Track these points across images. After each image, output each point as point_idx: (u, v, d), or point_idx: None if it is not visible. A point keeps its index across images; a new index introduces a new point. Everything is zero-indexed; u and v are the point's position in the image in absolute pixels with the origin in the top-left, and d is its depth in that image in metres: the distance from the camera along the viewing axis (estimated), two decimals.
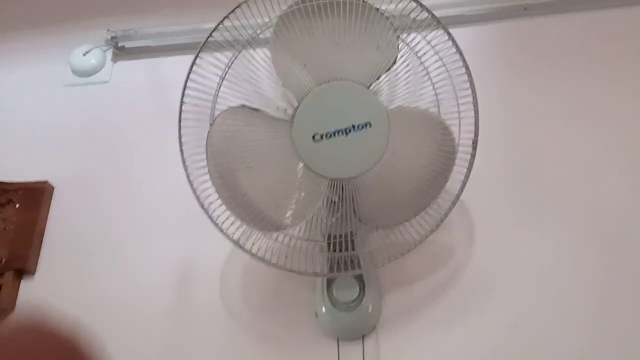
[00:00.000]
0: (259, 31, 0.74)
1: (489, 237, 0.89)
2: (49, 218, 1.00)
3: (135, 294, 0.92)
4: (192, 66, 0.75)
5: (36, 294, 0.94)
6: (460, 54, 0.75)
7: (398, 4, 0.73)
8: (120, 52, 1.13)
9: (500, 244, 0.88)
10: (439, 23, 0.75)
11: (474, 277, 0.86)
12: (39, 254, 0.97)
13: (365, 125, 0.71)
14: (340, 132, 0.71)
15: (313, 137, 0.71)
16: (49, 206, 1.01)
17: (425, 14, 0.74)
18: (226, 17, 0.74)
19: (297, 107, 0.71)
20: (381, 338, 0.84)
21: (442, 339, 0.83)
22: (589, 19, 1.04)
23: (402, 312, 0.85)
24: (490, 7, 1.07)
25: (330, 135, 0.71)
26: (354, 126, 0.71)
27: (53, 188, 1.02)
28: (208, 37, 0.74)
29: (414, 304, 0.86)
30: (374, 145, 0.72)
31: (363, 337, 0.84)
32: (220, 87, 0.76)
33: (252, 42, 0.74)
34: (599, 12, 1.04)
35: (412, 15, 0.75)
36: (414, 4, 0.74)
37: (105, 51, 1.13)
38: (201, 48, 0.74)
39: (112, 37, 1.11)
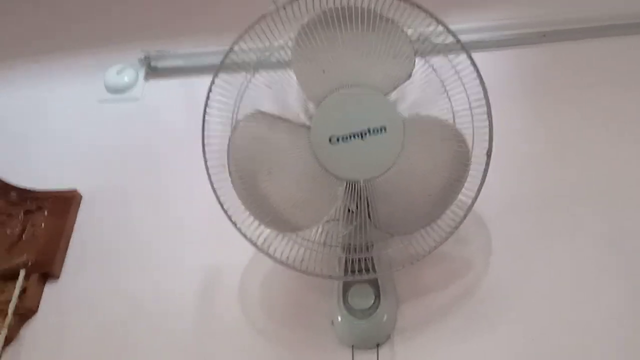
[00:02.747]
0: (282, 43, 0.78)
1: (507, 253, 0.89)
2: (76, 225, 1.03)
3: (157, 301, 0.94)
4: (215, 75, 0.79)
5: (59, 297, 0.97)
6: (475, 65, 0.77)
7: (427, 28, 0.76)
8: (153, 72, 1.19)
9: (518, 260, 0.88)
10: (456, 40, 0.77)
11: (491, 291, 0.86)
12: (64, 259, 1.00)
13: (381, 129, 0.74)
14: (357, 136, 0.74)
15: (330, 139, 0.74)
16: (77, 214, 1.04)
17: (445, 37, 0.77)
18: (241, 36, 0.76)
19: (316, 111, 0.74)
20: (396, 348, 0.84)
21: (457, 352, 0.83)
22: (607, 45, 1.06)
23: (418, 323, 0.85)
24: (510, 33, 1.10)
25: (347, 138, 0.74)
26: (369, 130, 0.74)
27: (81, 197, 1.06)
28: (228, 51, 0.77)
29: (430, 315, 0.86)
30: (389, 149, 0.74)
31: (378, 346, 0.84)
32: (242, 97, 0.79)
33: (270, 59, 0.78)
34: (618, 39, 1.06)
35: (434, 38, 0.78)
36: (439, 28, 0.76)
37: (138, 70, 1.19)
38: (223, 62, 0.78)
39: (145, 57, 1.17)
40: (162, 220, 1.02)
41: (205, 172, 0.79)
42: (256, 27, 0.76)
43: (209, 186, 0.79)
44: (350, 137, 0.74)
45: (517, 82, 1.07)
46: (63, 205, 1.03)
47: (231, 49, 0.77)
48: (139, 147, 1.12)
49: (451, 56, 0.78)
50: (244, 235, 0.79)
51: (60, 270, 0.99)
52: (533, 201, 0.93)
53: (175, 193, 1.04)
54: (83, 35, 1.25)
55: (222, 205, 0.78)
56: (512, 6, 1.12)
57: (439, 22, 0.75)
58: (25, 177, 1.06)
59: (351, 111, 0.74)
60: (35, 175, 1.08)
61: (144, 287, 0.96)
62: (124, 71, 1.18)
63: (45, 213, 1.03)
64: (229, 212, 0.79)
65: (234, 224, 0.78)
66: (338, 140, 0.74)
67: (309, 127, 0.75)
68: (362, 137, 0.74)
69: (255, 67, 0.78)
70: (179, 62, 1.18)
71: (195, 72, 1.16)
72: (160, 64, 1.18)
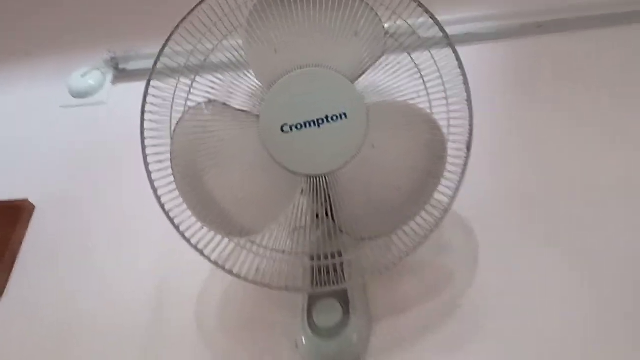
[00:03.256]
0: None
1: (492, 262, 0.78)
2: (26, 238, 0.95)
3: (110, 318, 0.85)
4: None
5: (3, 315, 0.88)
6: (452, 46, 0.68)
7: (417, 19, 0.67)
8: (120, 74, 1.11)
9: (503, 270, 0.78)
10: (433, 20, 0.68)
11: (474, 305, 0.76)
12: (10, 274, 0.91)
13: (340, 116, 0.64)
14: (312, 123, 0.64)
15: (282, 128, 0.64)
16: (27, 225, 0.96)
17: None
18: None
19: (266, 96, 0.65)
20: None
21: None
22: (604, 36, 0.98)
23: (394, 341, 0.75)
24: (503, 24, 1.02)
25: (301, 127, 0.64)
26: (327, 117, 0.64)
27: (34, 207, 0.97)
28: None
29: (408, 333, 0.75)
30: (350, 138, 0.64)
31: None
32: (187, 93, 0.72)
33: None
34: (614, 29, 0.98)
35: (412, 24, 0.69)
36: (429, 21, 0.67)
37: (104, 73, 1.11)
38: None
39: (112, 58, 1.09)
40: (118, 232, 0.93)
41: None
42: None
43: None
44: (304, 124, 0.64)
45: (511, 75, 0.98)
46: (12, 216, 0.95)
47: (163, 49, 0.74)
48: (101, 155, 1.03)
49: (429, 42, 0.69)
50: (189, 242, 0.69)
51: (4, 285, 0.90)
52: (523, 208, 0.83)
53: (134, 203, 0.94)
54: (44, 34, 1.19)
55: (164, 209, 0.69)
56: None
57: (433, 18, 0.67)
58: None
59: (306, 96, 0.65)
60: None
61: (97, 303, 0.86)
62: (89, 74, 1.11)
63: None
64: (174, 217, 0.69)
65: (177, 228, 0.69)
66: (291, 128, 0.64)
67: (257, 114, 0.65)
68: (318, 125, 0.64)
69: (199, 67, 0.72)
70: (148, 64, 1.10)
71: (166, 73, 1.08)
72: (129, 65, 1.11)
